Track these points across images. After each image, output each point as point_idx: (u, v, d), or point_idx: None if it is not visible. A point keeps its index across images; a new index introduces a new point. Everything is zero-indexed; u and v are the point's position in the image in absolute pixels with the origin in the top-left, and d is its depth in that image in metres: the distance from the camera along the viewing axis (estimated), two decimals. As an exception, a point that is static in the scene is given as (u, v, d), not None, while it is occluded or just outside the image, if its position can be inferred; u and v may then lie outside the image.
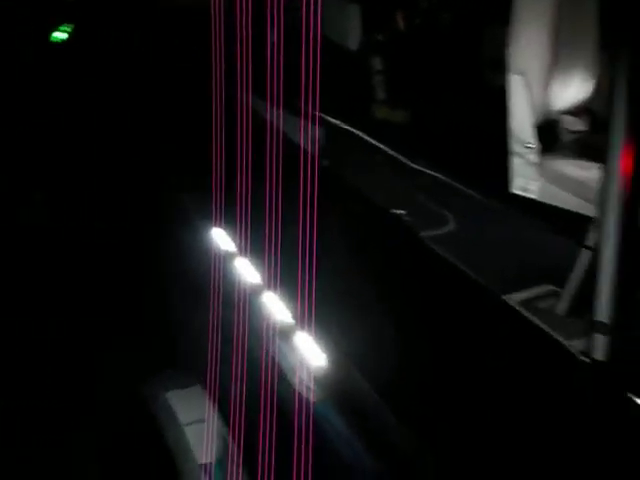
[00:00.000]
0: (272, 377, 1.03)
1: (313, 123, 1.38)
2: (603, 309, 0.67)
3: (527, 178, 1.93)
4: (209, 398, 1.46)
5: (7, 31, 3.11)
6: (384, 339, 0.96)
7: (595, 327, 0.65)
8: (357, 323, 0.98)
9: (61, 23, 3.29)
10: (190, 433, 1.57)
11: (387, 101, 3.28)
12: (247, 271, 1.09)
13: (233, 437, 1.36)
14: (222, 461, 1.31)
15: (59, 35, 3.30)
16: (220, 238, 1.20)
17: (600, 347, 0.66)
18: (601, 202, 0.75)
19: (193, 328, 1.55)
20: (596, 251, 1.50)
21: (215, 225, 1.22)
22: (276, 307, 0.97)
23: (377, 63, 3.30)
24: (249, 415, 1.21)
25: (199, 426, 1.56)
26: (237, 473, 1.26)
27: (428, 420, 0.79)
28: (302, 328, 0.92)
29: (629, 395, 0.68)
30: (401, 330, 0.97)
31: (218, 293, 0.99)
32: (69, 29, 3.30)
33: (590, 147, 2.01)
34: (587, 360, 0.72)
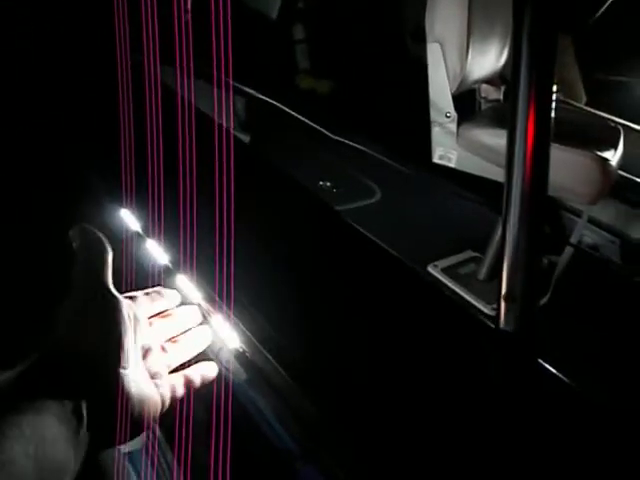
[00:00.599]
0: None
1: (228, 94, 1.32)
2: (508, 278, 0.68)
3: (447, 147, 1.96)
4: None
5: None
6: (301, 319, 0.94)
7: (502, 296, 0.66)
8: (274, 305, 0.96)
9: None
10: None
11: (311, 71, 3.23)
12: (158, 253, 1.05)
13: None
14: (144, 446, 1.27)
15: None
16: (130, 219, 1.14)
17: (506, 316, 0.67)
18: (506, 168, 0.76)
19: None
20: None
21: (125, 206, 1.15)
22: (190, 290, 0.94)
23: (298, 32, 3.24)
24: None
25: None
26: (158, 457, 1.22)
27: (344, 396, 0.78)
28: (218, 310, 0.89)
29: (537, 360, 0.70)
30: (320, 310, 0.96)
31: (129, 275, 0.94)
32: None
33: (504, 115, 2.06)
34: (494, 327, 0.73)
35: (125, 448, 1.38)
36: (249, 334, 0.92)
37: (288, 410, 0.85)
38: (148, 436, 1.30)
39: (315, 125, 2.35)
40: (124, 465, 1.36)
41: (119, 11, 1.45)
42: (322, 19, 3.31)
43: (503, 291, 0.68)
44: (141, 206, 1.06)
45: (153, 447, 1.26)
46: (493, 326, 0.73)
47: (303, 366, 0.86)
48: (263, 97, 2.36)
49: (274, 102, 2.33)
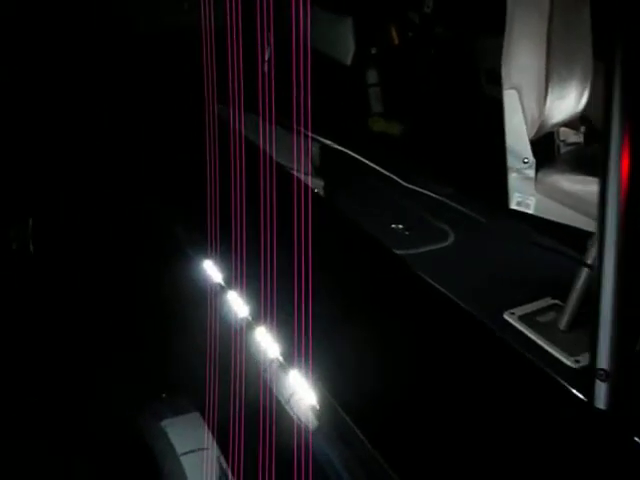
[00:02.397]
0: (269, 409, 1.01)
1: (306, 144, 1.36)
2: (602, 352, 0.64)
3: (525, 193, 1.91)
4: (206, 427, 1.43)
5: None
6: (379, 375, 0.93)
7: (595, 374, 0.63)
8: (351, 359, 0.95)
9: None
10: (187, 463, 1.54)
11: (383, 114, 3.27)
12: (238, 304, 1.07)
13: (231, 467, 1.34)
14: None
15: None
16: (212, 270, 1.18)
17: (599, 392, 0.63)
18: (598, 222, 0.73)
19: (188, 358, 1.53)
20: (593, 269, 1.48)
21: (208, 257, 1.20)
22: (268, 342, 0.95)
23: (372, 76, 3.29)
24: (247, 445, 1.18)
25: (196, 455, 1.53)
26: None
27: (422, 456, 0.76)
28: (295, 364, 0.90)
29: (633, 439, 0.65)
30: (399, 364, 0.95)
31: (212, 324, 0.97)
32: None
33: (587, 159, 1.99)
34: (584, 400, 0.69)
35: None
36: (326, 390, 0.92)
37: (362, 466, 0.84)
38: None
39: (387, 172, 2.36)
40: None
41: (207, 63, 1.52)
42: (395, 63, 3.36)
43: (597, 366, 0.65)
44: (224, 258, 1.09)
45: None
46: (584, 398, 0.69)
47: (379, 421, 0.85)
48: (336, 146, 2.41)
49: (346, 150, 2.37)
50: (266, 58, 2.69)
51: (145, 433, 1.67)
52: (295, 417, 0.86)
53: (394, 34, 3.31)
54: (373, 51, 3.30)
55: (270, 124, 1.26)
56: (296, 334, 0.87)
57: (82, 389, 2.20)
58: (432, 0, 3.20)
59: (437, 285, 1.23)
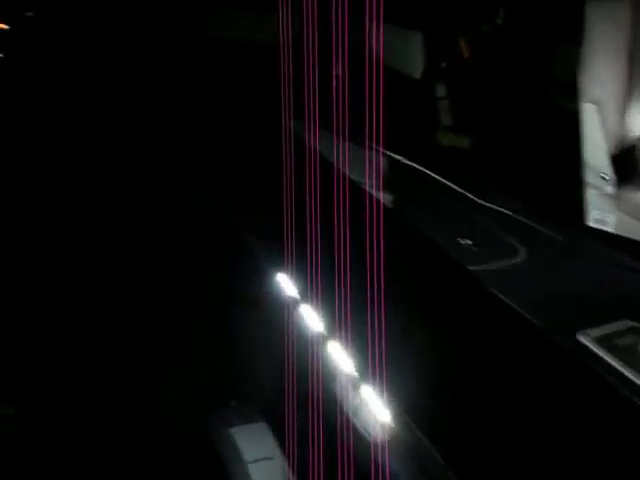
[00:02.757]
0: (339, 422, 1.02)
1: (377, 160, 1.37)
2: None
3: (604, 210, 1.85)
4: (275, 437, 1.46)
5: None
6: (452, 392, 0.93)
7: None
8: (423, 374, 0.95)
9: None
10: (254, 471, 1.57)
11: (452, 127, 3.23)
12: (312, 319, 1.09)
13: (297, 478, 1.35)
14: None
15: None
16: (287, 283, 1.20)
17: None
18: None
19: (259, 368, 1.56)
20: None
21: (283, 270, 1.22)
22: (341, 358, 0.96)
23: (441, 90, 3.27)
24: (315, 457, 1.19)
25: (263, 464, 1.55)
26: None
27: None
28: (368, 379, 0.90)
29: None
30: (471, 381, 0.93)
31: (286, 337, 1.00)
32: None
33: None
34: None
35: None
36: (398, 405, 0.92)
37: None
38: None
39: (456, 187, 2.33)
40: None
41: (284, 77, 1.56)
42: (464, 76, 3.32)
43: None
44: (299, 271, 1.11)
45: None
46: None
47: (452, 439, 0.84)
48: (406, 161, 2.40)
49: (416, 165, 2.36)
50: (337, 73, 2.73)
51: (214, 439, 1.72)
52: (365, 431, 0.86)
53: (464, 47, 3.27)
54: (442, 65, 3.27)
55: (343, 139, 1.28)
56: (370, 349, 0.88)
57: (157, 392, 2.28)
58: (505, 11, 3.15)
59: (508, 301, 1.21)
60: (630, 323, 2.13)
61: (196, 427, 1.83)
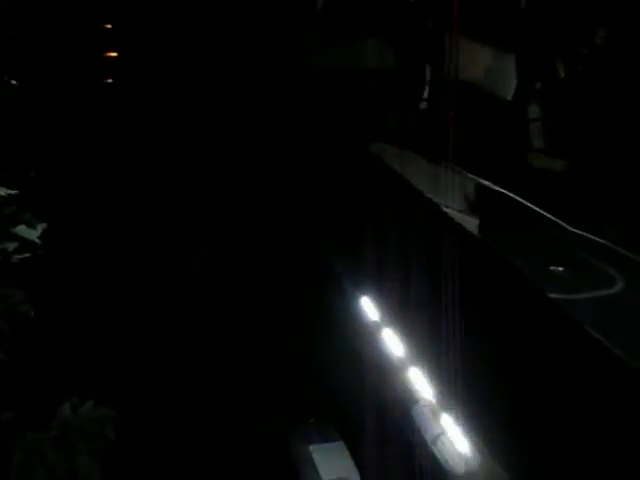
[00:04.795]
0: (419, 451, 1.02)
1: (464, 184, 1.36)
2: None
3: None
4: (352, 458, 1.47)
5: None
6: (533, 427, 0.91)
7: None
8: (503, 406, 0.93)
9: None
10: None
11: (545, 150, 3.12)
12: (393, 343, 1.10)
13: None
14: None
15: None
16: (368, 306, 1.22)
17: None
18: None
19: (340, 388, 1.58)
20: None
21: (365, 293, 1.24)
22: (420, 383, 0.96)
23: (534, 111, 3.17)
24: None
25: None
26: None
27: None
28: (446, 409, 0.90)
29: None
30: (556, 418, 0.91)
31: (366, 360, 1.01)
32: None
33: None
34: None
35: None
36: (475, 436, 0.91)
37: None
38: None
39: (548, 214, 2.24)
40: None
41: (371, 103, 1.58)
42: (560, 97, 3.20)
43: None
44: (381, 295, 1.13)
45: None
46: None
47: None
48: (496, 187, 2.34)
49: (506, 192, 2.29)
50: (424, 96, 2.72)
51: (293, 455, 1.75)
52: (442, 459, 0.86)
53: (560, 67, 3.16)
54: (537, 85, 3.18)
55: (427, 162, 1.29)
56: (447, 376, 0.88)
57: (244, 405, 2.35)
58: (603, 30, 3.01)
59: (598, 335, 1.16)
60: None
61: (277, 441, 1.88)
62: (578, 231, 2.30)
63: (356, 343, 1.14)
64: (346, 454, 1.63)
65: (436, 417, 0.92)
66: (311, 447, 1.68)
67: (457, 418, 0.90)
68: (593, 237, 2.25)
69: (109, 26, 4.67)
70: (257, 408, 2.22)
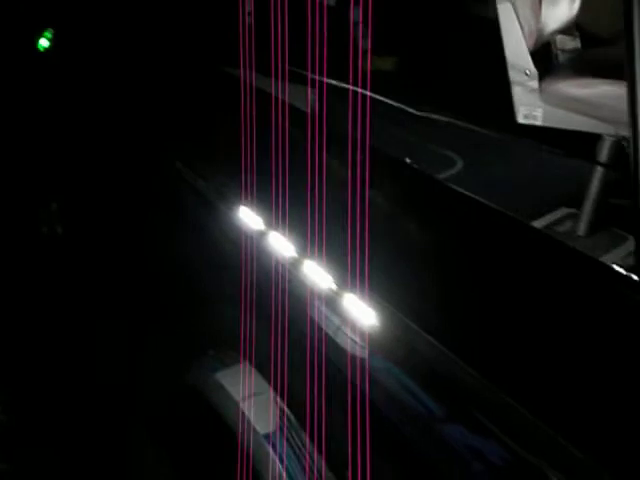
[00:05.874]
0: (319, 341, 1.05)
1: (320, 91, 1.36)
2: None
3: (531, 105, 1.92)
4: (259, 373, 1.49)
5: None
6: (430, 286, 0.98)
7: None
8: (404, 277, 0.99)
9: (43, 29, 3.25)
10: (247, 407, 1.60)
11: (372, 51, 3.21)
12: (283, 244, 1.11)
13: (288, 405, 1.40)
14: (282, 428, 1.36)
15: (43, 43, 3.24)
16: (249, 216, 1.21)
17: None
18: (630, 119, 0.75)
19: (228, 312, 1.57)
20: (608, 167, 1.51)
21: (243, 204, 1.22)
22: (319, 275, 0.99)
23: (355, 14, 3.22)
24: (302, 380, 1.24)
25: (255, 400, 1.59)
26: (298, 438, 1.30)
27: (493, 359, 0.81)
28: (350, 291, 0.94)
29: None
30: (449, 276, 0.99)
31: (253, 270, 1.01)
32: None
33: (588, 63, 1.99)
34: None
35: (261, 430, 1.48)
36: (384, 309, 0.96)
37: (431, 373, 0.88)
38: (282, 418, 1.38)
39: (390, 101, 2.33)
40: (265, 448, 1.45)
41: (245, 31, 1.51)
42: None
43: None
44: (262, 203, 1.12)
45: (289, 429, 1.34)
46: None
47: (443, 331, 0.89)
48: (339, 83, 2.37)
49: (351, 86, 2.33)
50: (247, 11, 2.64)
51: (201, 388, 1.74)
52: (349, 345, 0.90)
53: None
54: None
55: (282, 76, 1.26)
56: (350, 264, 0.91)
57: (130, 358, 2.26)
58: None
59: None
60: (566, 210, 2.27)
61: (182, 381, 1.85)
62: (422, 115, 2.44)
63: (240, 257, 1.12)
64: (253, 372, 1.65)
65: (339, 302, 0.96)
66: (217, 374, 1.68)
67: (362, 297, 0.95)
68: (436, 118, 2.40)
69: None
70: (152, 356, 2.15)
